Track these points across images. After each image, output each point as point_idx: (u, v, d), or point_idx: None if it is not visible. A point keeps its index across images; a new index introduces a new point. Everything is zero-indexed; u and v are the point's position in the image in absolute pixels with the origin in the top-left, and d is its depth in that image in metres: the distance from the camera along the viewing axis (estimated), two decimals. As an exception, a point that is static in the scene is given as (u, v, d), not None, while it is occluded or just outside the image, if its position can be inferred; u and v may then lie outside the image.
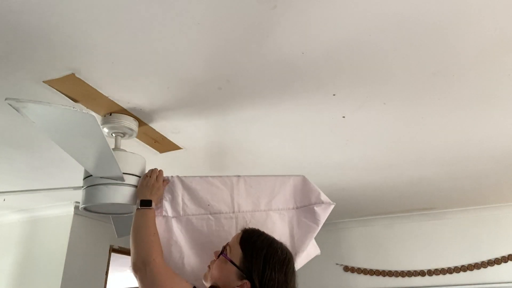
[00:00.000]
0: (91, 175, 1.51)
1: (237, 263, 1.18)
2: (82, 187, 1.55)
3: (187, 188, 1.47)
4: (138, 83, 1.52)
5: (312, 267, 1.54)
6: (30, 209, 3.15)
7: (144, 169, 1.62)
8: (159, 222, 1.41)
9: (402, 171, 2.52)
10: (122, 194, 1.49)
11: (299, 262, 1.45)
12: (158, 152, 2.14)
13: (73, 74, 1.45)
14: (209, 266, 1.27)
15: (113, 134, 1.76)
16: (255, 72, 1.47)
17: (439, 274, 3.39)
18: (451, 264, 3.37)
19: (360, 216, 3.68)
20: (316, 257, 1.60)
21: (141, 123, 1.81)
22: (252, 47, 1.33)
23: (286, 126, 1.91)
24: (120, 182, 1.48)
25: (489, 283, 3.23)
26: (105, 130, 1.75)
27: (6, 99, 1.07)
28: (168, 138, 1.99)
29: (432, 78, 1.54)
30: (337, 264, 3.73)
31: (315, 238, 1.52)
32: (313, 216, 1.44)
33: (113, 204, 1.50)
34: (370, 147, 2.15)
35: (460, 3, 1.17)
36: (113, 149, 1.64)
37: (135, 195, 1.49)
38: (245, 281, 1.15)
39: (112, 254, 3.27)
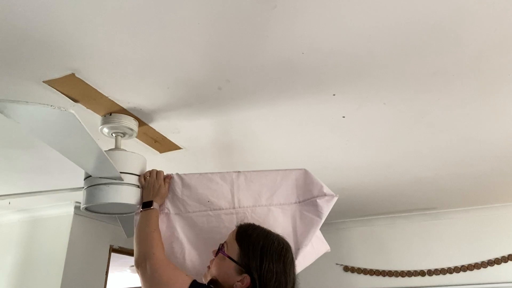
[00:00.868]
0: (91, 175, 1.51)
1: (235, 258, 1.19)
2: (83, 187, 1.55)
3: (186, 185, 1.47)
4: (138, 83, 1.52)
5: (312, 267, 1.53)
6: (30, 209, 3.14)
7: (144, 169, 1.62)
8: (161, 219, 1.43)
9: (402, 171, 2.52)
10: (123, 194, 1.49)
11: (304, 258, 1.43)
12: (158, 152, 2.14)
13: (73, 74, 1.45)
14: (208, 267, 1.27)
15: (113, 134, 1.76)
16: (255, 72, 1.47)
17: (439, 274, 3.39)
18: (451, 264, 3.37)
19: (360, 216, 3.68)
20: (316, 256, 1.60)
21: (141, 123, 1.81)
22: (252, 47, 1.33)
23: (286, 126, 1.91)
24: (121, 181, 1.48)
25: (489, 283, 3.23)
26: (105, 130, 1.75)
27: None
28: (168, 138, 1.99)
29: (432, 78, 1.54)
30: (337, 264, 3.73)
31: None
32: (316, 209, 1.43)
33: (114, 203, 1.50)
34: (370, 147, 2.15)
35: (460, 4, 1.17)
36: (113, 149, 1.65)
37: (136, 194, 1.50)
38: (245, 275, 1.16)
39: (112, 254, 3.27)
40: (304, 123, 1.87)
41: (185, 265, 1.38)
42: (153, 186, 1.45)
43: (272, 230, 1.30)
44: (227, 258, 1.21)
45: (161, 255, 1.28)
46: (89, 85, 1.52)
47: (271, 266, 1.16)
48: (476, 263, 3.30)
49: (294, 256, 1.29)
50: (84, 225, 3.08)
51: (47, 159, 2.20)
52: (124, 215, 1.67)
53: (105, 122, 1.72)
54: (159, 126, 1.87)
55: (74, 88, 1.53)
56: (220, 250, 1.25)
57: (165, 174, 1.51)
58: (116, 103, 1.65)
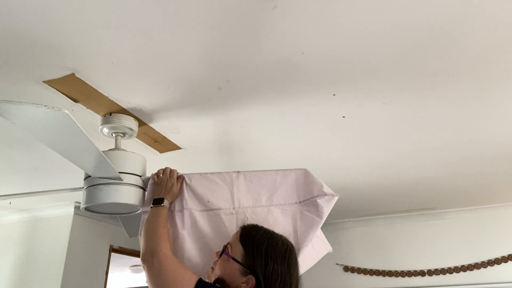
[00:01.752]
0: (91, 176, 1.51)
1: (240, 260, 1.19)
2: (83, 187, 1.55)
3: (187, 185, 1.47)
4: (138, 83, 1.52)
5: (312, 267, 1.53)
6: (30, 209, 3.14)
7: (145, 169, 1.62)
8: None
9: (402, 171, 2.52)
10: (123, 194, 1.49)
11: (305, 259, 1.43)
12: (158, 152, 2.14)
13: (73, 74, 1.45)
14: (212, 268, 1.27)
15: (113, 134, 1.77)
16: (255, 72, 1.47)
17: (439, 274, 3.39)
18: (451, 264, 3.37)
19: (360, 216, 3.68)
20: (316, 256, 1.59)
21: (141, 123, 1.81)
22: (252, 47, 1.33)
23: (286, 126, 1.91)
24: (120, 181, 1.48)
25: (489, 283, 3.23)
26: (105, 130, 1.75)
27: None
28: (168, 138, 1.99)
29: (432, 78, 1.54)
30: (337, 264, 3.73)
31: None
32: (316, 209, 1.42)
33: (114, 203, 1.50)
34: (370, 147, 2.15)
35: (460, 4, 1.17)
36: (113, 149, 1.65)
37: (136, 194, 1.51)
38: (250, 276, 1.15)
39: (112, 254, 3.28)
40: (304, 123, 1.87)
41: (183, 263, 1.38)
42: (166, 184, 1.46)
43: (269, 229, 1.30)
44: (231, 259, 1.20)
45: (168, 252, 1.28)
46: (89, 85, 1.52)
47: (276, 267, 1.16)
48: (476, 263, 3.30)
49: None
50: (84, 225, 3.08)
51: (47, 159, 2.20)
52: (126, 215, 1.67)
53: (105, 122, 1.72)
54: (159, 126, 1.87)
55: (74, 88, 1.53)
56: (224, 251, 1.25)
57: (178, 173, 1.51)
58: (116, 103, 1.65)
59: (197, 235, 1.42)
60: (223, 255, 1.24)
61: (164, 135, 1.96)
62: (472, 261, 3.32)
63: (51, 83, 1.50)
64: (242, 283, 1.15)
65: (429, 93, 1.64)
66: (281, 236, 1.27)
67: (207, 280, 1.26)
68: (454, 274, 3.34)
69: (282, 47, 1.33)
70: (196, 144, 2.08)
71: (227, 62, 1.41)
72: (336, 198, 1.45)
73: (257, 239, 1.22)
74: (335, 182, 2.65)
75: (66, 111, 1.11)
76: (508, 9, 1.20)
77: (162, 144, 2.04)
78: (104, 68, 1.43)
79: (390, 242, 3.63)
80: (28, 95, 1.57)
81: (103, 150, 1.60)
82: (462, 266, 3.33)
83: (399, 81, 1.55)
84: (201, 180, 1.47)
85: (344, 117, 1.82)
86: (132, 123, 1.75)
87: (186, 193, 1.46)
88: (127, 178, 1.51)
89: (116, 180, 1.48)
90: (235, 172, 1.49)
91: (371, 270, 3.61)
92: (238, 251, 1.21)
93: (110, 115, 1.72)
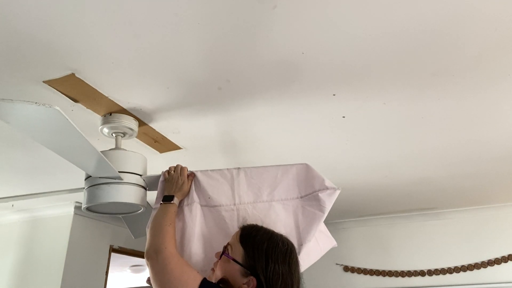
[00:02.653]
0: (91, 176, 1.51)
1: (240, 260, 1.18)
2: (84, 187, 1.55)
3: (194, 181, 1.48)
4: (138, 83, 1.52)
5: (312, 267, 1.52)
6: (30, 209, 3.14)
7: (145, 168, 1.62)
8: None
9: (402, 171, 2.52)
10: (124, 193, 1.49)
11: (309, 254, 1.42)
12: (158, 152, 2.14)
13: (73, 74, 1.45)
14: (212, 269, 1.27)
15: (113, 134, 1.76)
16: (255, 72, 1.47)
17: (439, 274, 3.39)
18: (451, 264, 3.37)
19: (360, 216, 3.68)
20: (316, 257, 1.59)
21: (141, 123, 1.81)
22: (252, 47, 1.33)
23: (286, 126, 1.91)
24: (121, 181, 1.48)
25: (489, 283, 3.23)
26: (105, 130, 1.75)
27: None
28: (168, 138, 1.99)
29: (432, 78, 1.54)
30: (337, 264, 3.73)
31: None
32: (318, 203, 1.41)
33: (115, 203, 1.50)
34: (370, 147, 2.15)
35: (460, 4, 1.17)
36: (113, 148, 1.65)
37: (137, 193, 1.51)
38: (251, 277, 1.15)
39: (112, 254, 3.28)
40: (304, 123, 1.87)
41: (190, 256, 1.38)
42: (177, 182, 1.45)
43: (274, 226, 1.30)
44: (231, 260, 1.20)
45: (173, 250, 1.26)
46: (89, 85, 1.52)
47: (277, 268, 1.16)
48: (476, 263, 3.30)
49: (297, 253, 1.29)
50: (84, 225, 3.08)
51: (47, 159, 2.20)
52: (130, 215, 1.67)
53: (105, 122, 1.72)
54: (159, 126, 1.87)
55: (74, 88, 1.53)
56: (224, 252, 1.24)
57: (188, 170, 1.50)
58: (116, 103, 1.65)
59: (202, 230, 1.41)
60: (223, 256, 1.23)
61: (164, 135, 1.96)
62: (472, 261, 3.32)
63: (51, 83, 1.50)
64: (243, 284, 1.15)
65: (429, 93, 1.64)
66: (281, 236, 1.27)
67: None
68: (454, 274, 3.34)
69: (282, 47, 1.33)
70: (196, 144, 2.08)
71: (227, 62, 1.41)
72: (338, 192, 1.44)
73: (257, 239, 1.22)
74: (335, 182, 2.59)
75: (57, 108, 1.09)
76: (508, 9, 1.20)
77: (162, 144, 2.04)
78: (104, 68, 1.43)
79: (390, 242, 3.63)
80: (28, 95, 1.57)
81: (103, 150, 1.61)
82: (462, 266, 3.33)
83: (399, 81, 1.55)
84: (202, 177, 1.47)
85: (344, 117, 1.82)
86: (132, 123, 1.75)
87: (194, 188, 1.46)
88: (127, 177, 1.51)
89: (116, 179, 1.48)
90: (235, 168, 1.48)
91: (371, 270, 3.61)
92: (238, 252, 1.20)
93: (110, 115, 1.72)
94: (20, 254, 3.10)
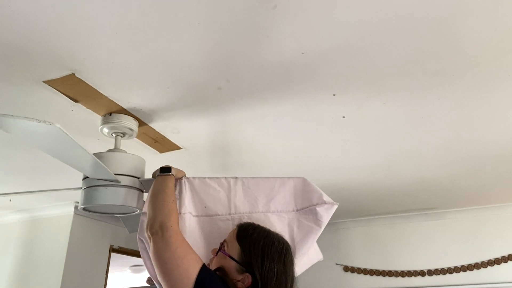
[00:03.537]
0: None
1: (236, 257, 1.19)
2: (81, 187, 1.55)
3: (186, 189, 1.47)
4: (138, 83, 1.52)
5: (312, 267, 1.52)
6: (30, 209, 3.15)
7: (143, 170, 1.62)
8: None
9: (402, 171, 2.52)
10: (120, 195, 1.50)
11: (299, 267, 1.42)
12: (158, 152, 2.14)
13: (73, 74, 1.45)
14: (208, 265, 1.27)
15: (113, 134, 1.77)
16: (255, 72, 1.47)
17: (439, 274, 3.39)
18: (451, 264, 3.37)
19: (360, 216, 3.68)
20: (317, 256, 1.59)
21: (141, 123, 1.81)
22: (252, 47, 1.33)
23: (286, 126, 1.91)
24: (118, 183, 1.49)
25: (489, 283, 3.23)
26: (105, 130, 1.75)
27: None
28: (168, 138, 1.99)
29: (432, 78, 1.54)
30: (337, 264, 3.73)
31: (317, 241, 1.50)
32: (315, 217, 1.41)
33: (111, 205, 1.51)
34: (370, 147, 2.15)
35: (460, 3, 1.17)
36: (111, 150, 1.66)
37: (134, 196, 1.51)
38: (246, 274, 1.16)
39: (112, 254, 3.28)
40: (304, 123, 1.87)
41: None
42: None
43: (266, 227, 1.30)
44: (227, 257, 1.21)
45: (178, 229, 1.25)
46: (89, 85, 1.52)
47: (272, 266, 1.17)
48: (476, 263, 3.30)
49: None
50: (84, 225, 3.08)
51: (47, 160, 2.20)
52: (123, 215, 1.67)
53: (105, 122, 1.72)
54: (159, 126, 1.87)
55: (74, 88, 1.53)
56: (220, 249, 1.25)
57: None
58: (116, 103, 1.65)
59: (193, 240, 1.41)
60: (220, 252, 1.24)
61: (164, 135, 1.96)
62: (472, 261, 3.32)
63: (51, 83, 1.50)
64: (238, 281, 1.16)
65: (429, 93, 1.64)
66: (277, 234, 1.28)
67: None
68: (454, 274, 3.34)
69: (282, 47, 1.33)
70: (196, 144, 2.08)
71: (227, 62, 1.41)
72: (335, 207, 1.44)
73: (254, 237, 1.23)
74: (335, 182, 2.65)
75: (58, 125, 1.11)
76: (507, 9, 1.20)
77: (162, 144, 2.04)
78: (104, 68, 1.43)
79: (390, 242, 3.63)
80: (28, 95, 1.57)
81: (103, 150, 1.61)
82: (462, 266, 3.33)
83: (399, 81, 1.55)
84: (199, 185, 1.46)
85: (344, 117, 1.82)
86: (132, 123, 1.75)
87: (186, 197, 1.44)
88: (125, 180, 1.51)
89: (113, 182, 1.49)
90: (233, 177, 1.48)
91: (371, 270, 3.61)
92: (234, 249, 1.21)
93: (110, 115, 1.72)
94: (20, 254, 3.10)
